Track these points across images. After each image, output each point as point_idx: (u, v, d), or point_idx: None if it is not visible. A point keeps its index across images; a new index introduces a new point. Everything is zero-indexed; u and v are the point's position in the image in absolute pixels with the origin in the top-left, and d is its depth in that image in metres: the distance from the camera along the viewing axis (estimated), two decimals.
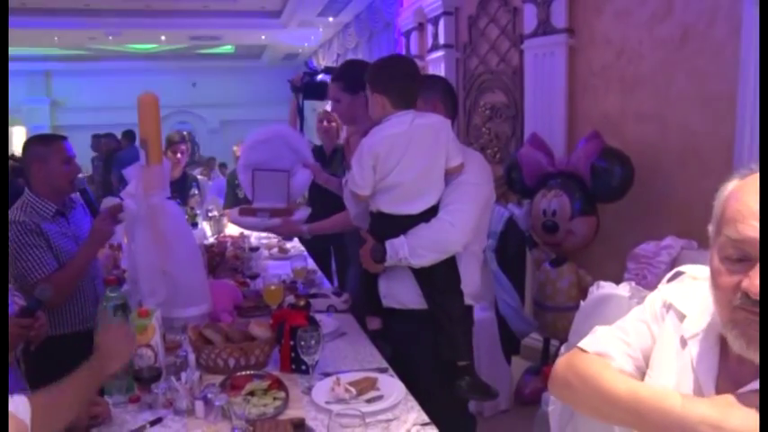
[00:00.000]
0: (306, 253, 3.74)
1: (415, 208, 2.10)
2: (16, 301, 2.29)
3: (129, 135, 8.87)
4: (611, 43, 3.57)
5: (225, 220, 4.55)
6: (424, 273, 2.12)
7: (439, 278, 2.14)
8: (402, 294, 2.19)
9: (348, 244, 2.91)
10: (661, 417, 1.00)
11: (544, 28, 3.88)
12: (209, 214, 4.83)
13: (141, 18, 9.11)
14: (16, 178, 4.57)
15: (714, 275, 1.01)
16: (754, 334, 0.94)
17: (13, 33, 9.49)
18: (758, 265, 0.92)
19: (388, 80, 2.10)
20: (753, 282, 0.92)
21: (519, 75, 4.24)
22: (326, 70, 4.24)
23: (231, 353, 1.93)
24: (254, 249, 3.48)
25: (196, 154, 14.32)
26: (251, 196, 2.94)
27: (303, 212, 2.93)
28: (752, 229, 0.93)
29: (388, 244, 2.09)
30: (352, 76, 2.68)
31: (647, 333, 1.21)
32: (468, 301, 2.22)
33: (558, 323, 3.45)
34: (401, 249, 2.07)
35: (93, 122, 13.67)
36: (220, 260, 3.34)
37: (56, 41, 10.39)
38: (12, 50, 11.45)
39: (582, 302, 1.88)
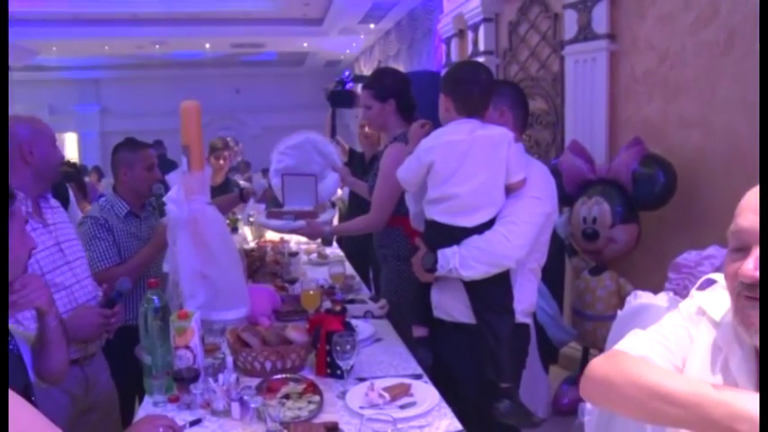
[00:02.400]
0: (345, 258, 3.77)
1: (471, 221, 2.03)
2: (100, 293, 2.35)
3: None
4: (654, 48, 3.51)
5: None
6: (475, 287, 2.06)
7: (489, 295, 2.07)
8: (452, 307, 2.15)
9: (376, 247, 2.93)
10: (729, 409, 0.92)
11: (585, 34, 3.84)
12: (250, 219, 4.91)
13: (186, 26, 9.33)
14: (67, 182, 4.72)
15: (724, 268, 1.05)
16: (753, 319, 0.98)
17: (65, 43, 9.86)
18: (752, 250, 0.97)
19: (454, 84, 2.08)
20: (744, 266, 0.97)
21: (559, 81, 4.20)
22: (356, 79, 4.32)
23: (268, 356, 1.96)
24: (294, 254, 3.52)
25: (239, 159, 14.60)
26: (281, 199, 3.02)
27: (328, 214, 2.98)
28: (747, 219, 0.99)
29: (440, 253, 2.04)
30: (382, 83, 2.75)
31: (686, 337, 1.18)
32: (522, 318, 2.15)
33: (598, 332, 3.40)
34: (452, 259, 2.01)
35: (139, 128, 14.02)
36: (260, 264, 3.39)
37: (106, 50, 10.73)
38: (64, 60, 11.89)
39: (619, 312, 1.86)
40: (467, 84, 2.06)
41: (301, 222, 2.80)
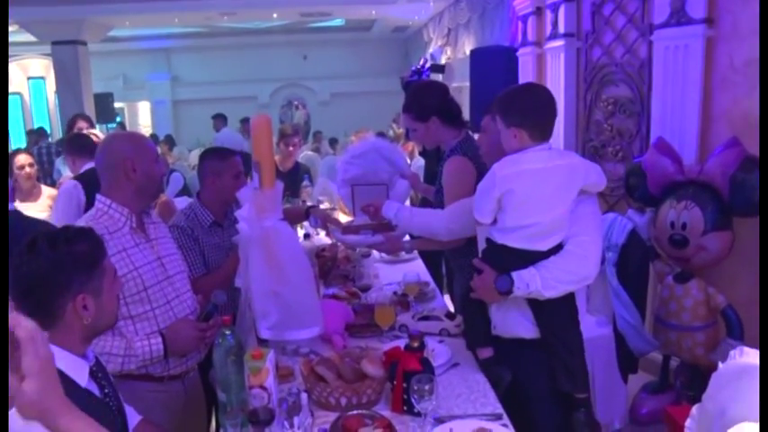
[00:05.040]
0: (417, 255, 3.68)
1: (545, 246, 2.04)
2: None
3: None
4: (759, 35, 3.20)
5: (336, 213, 4.58)
6: (543, 304, 2.06)
7: (559, 310, 2.08)
8: (517, 324, 2.14)
9: (450, 257, 2.86)
10: None
11: (678, 17, 3.54)
12: (321, 206, 4.87)
13: None
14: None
15: None
16: None
17: (137, 17, 9.99)
18: None
19: (521, 115, 2.03)
20: None
21: (647, 68, 3.91)
22: (433, 68, 4.18)
23: (343, 392, 1.91)
24: (366, 256, 3.46)
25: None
26: (350, 210, 2.97)
27: None
28: None
29: (516, 276, 2.01)
30: (420, 104, 2.68)
31: None
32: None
33: (683, 343, 3.22)
34: (532, 282, 2.00)
35: (208, 96, 14.29)
36: (332, 265, 3.34)
37: (176, 22, 10.83)
38: (135, 31, 12.08)
39: (720, 365, 1.70)
40: (534, 110, 2.04)
41: (379, 237, 2.75)
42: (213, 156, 2.77)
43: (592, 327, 3.23)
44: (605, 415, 3.27)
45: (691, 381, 3.45)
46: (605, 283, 3.21)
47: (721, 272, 3.31)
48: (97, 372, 1.52)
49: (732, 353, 1.67)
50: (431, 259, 3.82)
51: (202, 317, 2.11)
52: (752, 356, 1.60)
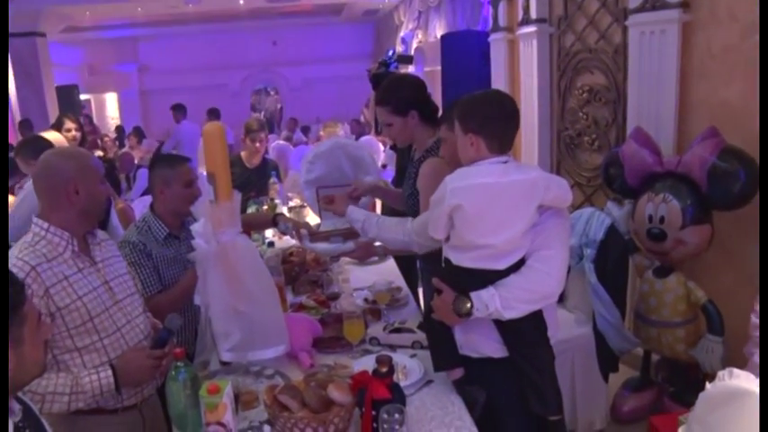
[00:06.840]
0: (391, 258, 3.55)
1: (503, 265, 1.91)
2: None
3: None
4: (738, 20, 3.09)
5: (306, 210, 4.44)
6: (510, 323, 1.93)
7: (526, 329, 1.96)
8: (481, 343, 2.02)
9: (425, 261, 2.75)
10: None
11: (653, 1, 3.42)
12: (290, 203, 4.73)
13: None
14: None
15: None
16: None
17: (98, 8, 9.65)
18: None
19: (483, 122, 1.89)
20: None
21: (622, 54, 3.79)
22: (399, 59, 4.04)
23: (309, 422, 1.78)
24: (336, 259, 3.31)
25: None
26: (317, 214, 2.84)
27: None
28: None
29: (475, 297, 1.89)
30: (398, 97, 2.56)
31: None
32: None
33: (663, 338, 3.15)
34: (491, 302, 1.87)
35: (178, 85, 13.94)
36: (300, 270, 3.21)
37: (139, 12, 10.48)
38: (100, 21, 11.68)
39: (708, 386, 1.61)
40: (495, 119, 1.90)
41: (350, 244, 2.63)
42: (162, 163, 2.60)
43: (571, 325, 3.16)
44: (587, 416, 3.20)
45: (672, 376, 3.39)
46: (584, 280, 3.12)
47: (701, 265, 3.23)
48: (24, 427, 1.36)
49: (721, 374, 1.57)
50: (404, 257, 3.68)
51: (156, 343, 1.95)
52: (742, 380, 1.51)
